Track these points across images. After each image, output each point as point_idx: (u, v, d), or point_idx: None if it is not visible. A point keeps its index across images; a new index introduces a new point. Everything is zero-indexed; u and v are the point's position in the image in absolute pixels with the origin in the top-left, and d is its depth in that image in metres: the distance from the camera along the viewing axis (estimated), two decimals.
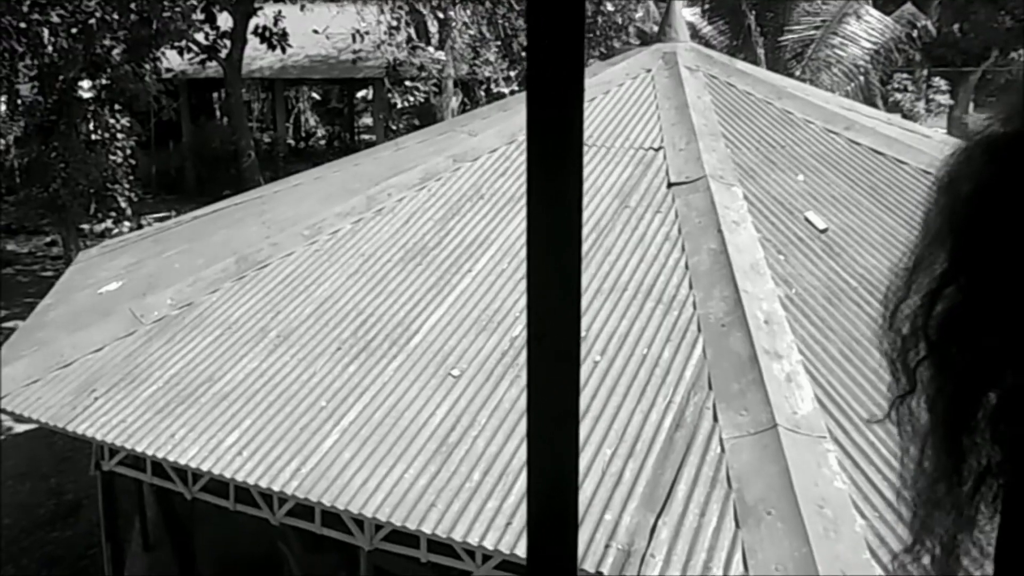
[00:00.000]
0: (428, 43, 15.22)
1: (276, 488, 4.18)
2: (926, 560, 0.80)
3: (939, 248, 0.81)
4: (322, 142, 26.98)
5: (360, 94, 26.66)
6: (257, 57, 17.95)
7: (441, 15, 13.85)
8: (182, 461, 4.45)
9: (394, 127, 14.87)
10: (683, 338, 4.41)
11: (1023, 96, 0.82)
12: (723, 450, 3.79)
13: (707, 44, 14.16)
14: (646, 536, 3.52)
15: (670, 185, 5.56)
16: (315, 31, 16.26)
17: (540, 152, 0.69)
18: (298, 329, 5.14)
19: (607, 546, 3.51)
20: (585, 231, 5.39)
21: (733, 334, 4.32)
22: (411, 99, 13.55)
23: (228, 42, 15.01)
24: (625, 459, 3.87)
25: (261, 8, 14.72)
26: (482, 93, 13.95)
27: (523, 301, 5.01)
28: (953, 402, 0.79)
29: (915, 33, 14.11)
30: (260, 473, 4.25)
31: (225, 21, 14.69)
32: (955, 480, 0.79)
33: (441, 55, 13.45)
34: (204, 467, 4.39)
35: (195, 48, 14.39)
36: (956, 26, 17.64)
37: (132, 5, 11.88)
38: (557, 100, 0.69)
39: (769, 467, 3.63)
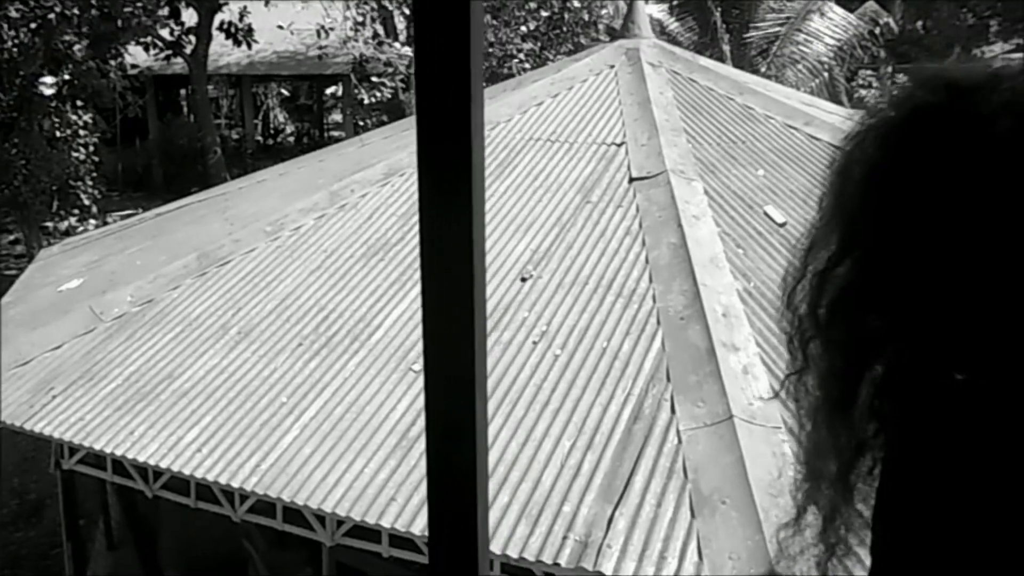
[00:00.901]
0: (395, 39, 15.18)
1: (236, 485, 4.17)
2: (807, 533, 0.83)
3: (831, 230, 0.84)
4: (291, 139, 26.78)
5: (329, 90, 26.51)
6: (224, 53, 17.79)
7: (408, 10, 13.81)
8: (141, 459, 4.42)
9: (362, 123, 14.82)
10: (642, 331, 4.45)
11: (912, 82, 0.85)
12: (680, 441, 3.83)
13: (674, 41, 14.24)
14: (603, 527, 3.55)
15: (632, 180, 5.59)
16: (280, 27, 16.15)
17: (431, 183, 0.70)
18: (259, 325, 5.12)
19: (565, 537, 3.54)
20: (547, 226, 5.42)
21: (691, 327, 4.36)
22: (378, 95, 13.51)
23: (193, 38, 14.87)
24: (584, 451, 3.90)
25: (226, 4, 14.60)
26: None
27: (486, 294, 5.05)
28: (838, 378, 0.81)
29: (878, 30, 14.28)
30: (220, 470, 4.24)
31: (190, 17, 14.55)
32: (838, 453, 0.81)
33: (408, 51, 13.41)
34: (164, 464, 4.37)
35: (160, 44, 14.23)
36: (919, 23, 17.89)
37: (93, 0, 11.74)
38: (447, 125, 0.69)
39: (724, 457, 3.68)
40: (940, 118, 0.77)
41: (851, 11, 14.52)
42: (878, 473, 0.80)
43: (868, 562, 0.81)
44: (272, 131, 26.85)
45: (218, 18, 14.59)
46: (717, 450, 3.73)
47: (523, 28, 14.37)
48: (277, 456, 4.23)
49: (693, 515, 3.52)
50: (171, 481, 4.65)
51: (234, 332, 5.10)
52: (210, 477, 4.22)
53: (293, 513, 4.34)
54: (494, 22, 14.64)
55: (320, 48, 15.17)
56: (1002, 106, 0.74)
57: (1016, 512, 0.70)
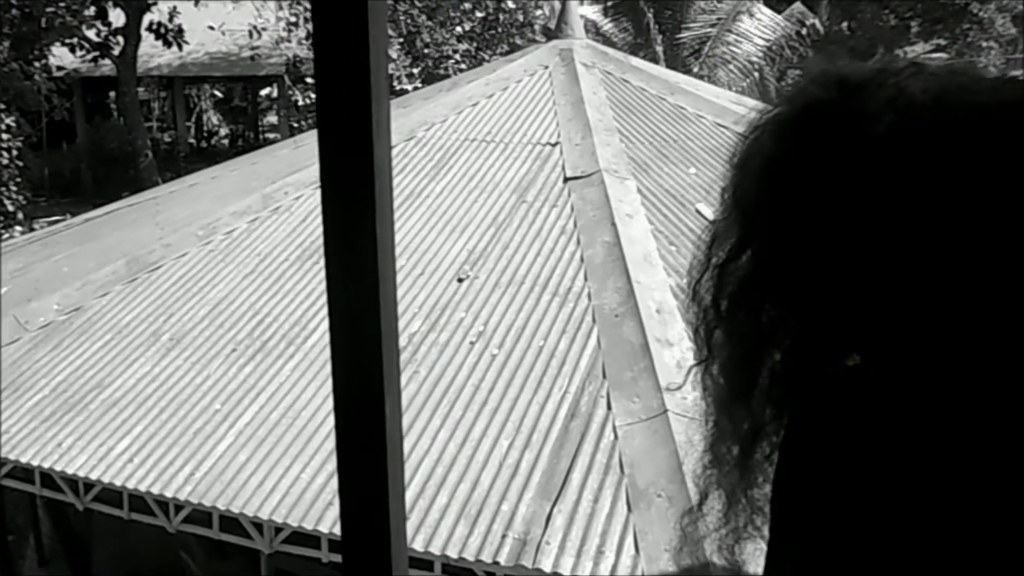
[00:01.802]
0: None
1: (170, 495, 4.09)
2: (710, 519, 0.85)
3: (732, 223, 0.86)
4: (225, 141, 26.31)
5: (264, 92, 26.12)
6: (155, 55, 17.40)
7: None
8: (71, 471, 4.31)
9: (297, 125, 14.65)
10: (578, 329, 4.49)
11: (805, 78, 0.88)
12: (616, 437, 3.88)
13: (609, 41, 14.39)
14: (542, 525, 3.58)
15: (566, 179, 5.64)
16: (211, 27, 15.87)
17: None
18: (192, 331, 5.03)
19: (504, 536, 3.55)
20: (484, 226, 5.44)
21: (626, 324, 4.41)
22: (313, 96, 13.35)
23: (121, 39, 14.51)
24: (522, 450, 3.92)
25: (155, 4, 14.29)
26: None
27: (421, 296, 5.02)
28: (739, 366, 0.84)
29: (805, 31, 14.62)
30: (153, 480, 4.15)
31: (117, 17, 14.20)
32: (738, 438, 0.84)
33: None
34: (95, 476, 4.26)
35: (87, 45, 13.86)
36: (844, 24, 18.36)
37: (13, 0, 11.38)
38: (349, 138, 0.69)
39: (660, 451, 3.74)
40: (829, 114, 0.80)
41: (779, 12, 14.86)
42: (774, 459, 0.83)
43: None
44: (206, 133, 26.36)
45: (147, 18, 14.27)
46: (652, 444, 3.78)
47: (458, 29, 14.37)
48: (212, 464, 4.16)
49: (630, 509, 3.56)
50: (103, 493, 4.53)
51: (166, 339, 5.01)
52: (143, 487, 4.14)
53: (230, 521, 4.27)
54: (429, 23, 14.61)
55: (253, 49, 14.94)
56: (886, 102, 0.77)
57: (903, 493, 0.73)
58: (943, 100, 0.75)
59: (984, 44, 17.99)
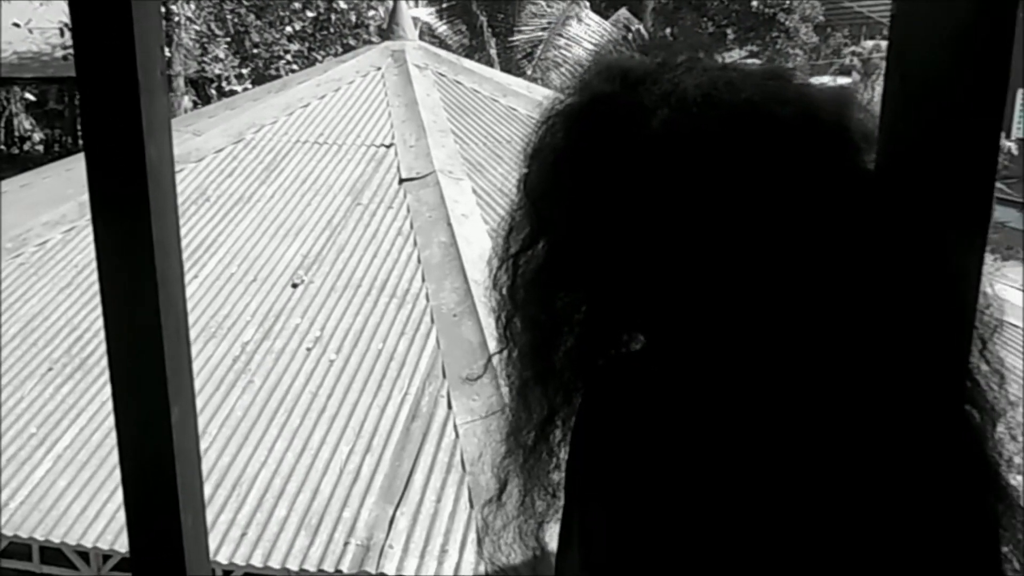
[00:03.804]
0: None
1: None
2: (509, 507, 0.87)
3: (525, 213, 0.88)
4: (40, 147, 24.54)
5: None
6: None
7: (163, 9, 13.07)
8: None
9: None
10: (417, 330, 4.48)
11: (592, 70, 0.91)
12: (457, 435, 3.89)
13: (444, 44, 14.43)
14: (385, 528, 3.55)
15: (401, 181, 5.62)
16: (16, 24, 14.77)
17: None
18: (2, 351, 4.66)
19: (346, 543, 3.50)
20: (318, 230, 5.33)
21: (464, 323, 4.44)
22: None
23: None
24: (363, 455, 3.87)
25: None
26: (213, 91, 13.35)
27: (254, 303, 4.87)
28: (534, 353, 0.86)
29: (630, 36, 15.19)
30: None
31: None
32: (534, 425, 0.87)
33: (165, 51, 12.69)
34: None
35: None
36: (668, 30, 19.24)
37: None
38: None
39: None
40: (612, 106, 0.83)
41: (606, 18, 15.37)
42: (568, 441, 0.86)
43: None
44: (17, 139, 24.48)
45: None
46: (493, 441, 3.82)
47: (289, 29, 14.01)
48: (28, 492, 3.88)
49: (472, 507, 3.59)
50: None
51: None
52: None
53: (52, 552, 3.99)
54: (258, 22, 14.17)
55: (66, 48, 14.02)
56: (662, 96, 0.80)
57: (685, 468, 0.77)
58: (712, 95, 0.79)
59: (791, 51, 19.33)
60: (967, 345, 0.79)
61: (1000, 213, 15.10)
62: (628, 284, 0.80)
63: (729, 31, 19.21)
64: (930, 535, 0.73)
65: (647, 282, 0.79)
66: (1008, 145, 14.93)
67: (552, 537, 0.89)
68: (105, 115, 0.67)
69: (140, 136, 0.68)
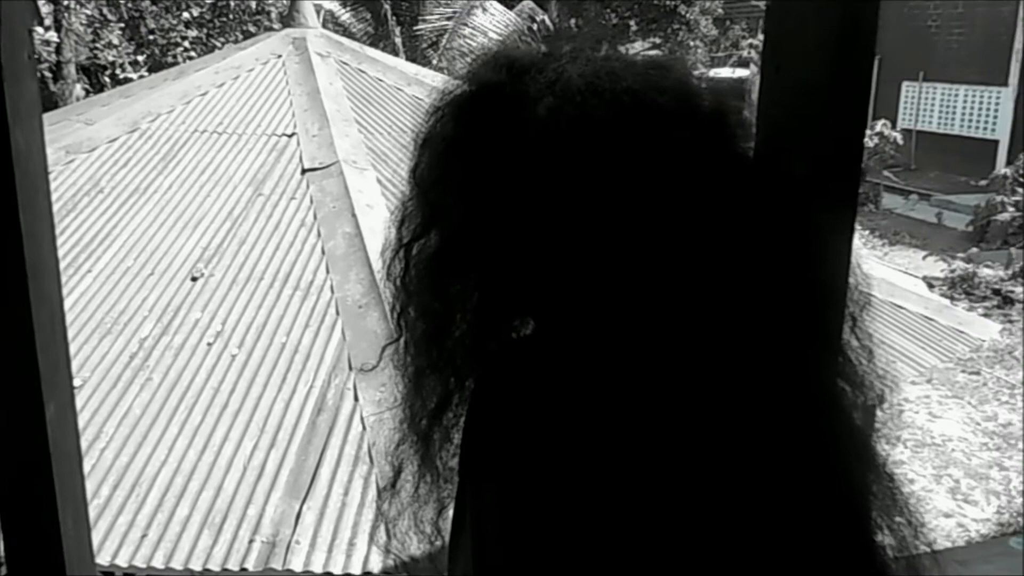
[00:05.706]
0: (40, 23, 13.65)
1: None
2: (403, 495, 0.88)
3: (417, 203, 0.89)
4: None
5: None
6: None
7: None
8: None
9: None
10: (322, 322, 4.42)
11: (480, 60, 0.92)
12: (364, 428, 3.86)
13: (348, 32, 14.23)
14: (291, 524, 3.50)
15: (304, 171, 5.52)
16: None
17: None
18: None
19: (251, 541, 3.43)
20: (218, 221, 5.20)
21: (370, 314, 4.41)
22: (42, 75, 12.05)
23: None
24: (267, 450, 3.80)
25: None
26: (107, 79, 12.83)
27: (152, 298, 4.72)
28: (428, 341, 0.87)
29: (535, 27, 15.28)
30: None
31: None
32: (426, 412, 0.87)
33: (53, 36, 12.14)
34: None
35: None
36: (572, 21, 19.43)
37: None
38: None
39: None
40: (498, 95, 0.84)
41: (510, 8, 15.41)
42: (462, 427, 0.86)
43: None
44: None
45: None
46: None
47: (186, 15, 13.57)
48: None
49: (380, 499, 3.57)
50: None
51: None
52: None
53: None
54: (154, 7, 13.69)
55: None
56: (546, 85, 0.82)
57: (572, 450, 0.79)
58: (594, 84, 0.81)
59: (691, 43, 19.79)
60: (839, 322, 0.83)
61: (888, 200, 15.78)
62: (517, 270, 0.81)
63: (632, 23, 19.53)
64: (799, 504, 0.76)
65: (535, 268, 0.80)
66: (894, 135, 15.60)
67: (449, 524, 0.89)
68: None
69: (5, 122, 0.66)
